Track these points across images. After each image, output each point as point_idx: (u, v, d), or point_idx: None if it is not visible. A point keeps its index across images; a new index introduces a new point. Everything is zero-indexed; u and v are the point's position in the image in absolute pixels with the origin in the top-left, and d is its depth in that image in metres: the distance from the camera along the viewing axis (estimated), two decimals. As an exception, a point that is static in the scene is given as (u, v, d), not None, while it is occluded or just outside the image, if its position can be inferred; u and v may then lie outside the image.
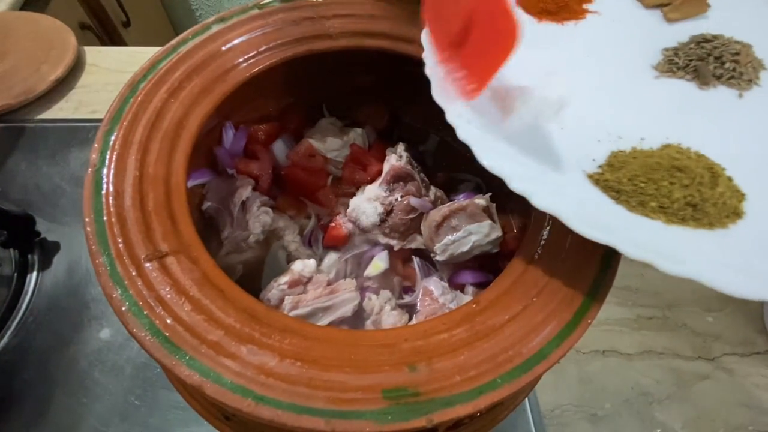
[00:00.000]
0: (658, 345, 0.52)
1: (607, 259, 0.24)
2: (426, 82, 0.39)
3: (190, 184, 0.39)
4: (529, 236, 0.27)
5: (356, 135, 0.43)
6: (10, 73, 0.66)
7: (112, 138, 0.25)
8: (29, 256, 0.53)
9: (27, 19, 0.73)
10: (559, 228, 0.27)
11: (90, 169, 0.24)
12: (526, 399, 0.45)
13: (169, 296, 0.21)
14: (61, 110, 0.66)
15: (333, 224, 0.41)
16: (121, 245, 0.22)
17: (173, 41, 0.31)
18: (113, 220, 0.22)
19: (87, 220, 0.22)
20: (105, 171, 0.24)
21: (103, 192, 0.23)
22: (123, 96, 0.27)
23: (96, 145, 0.25)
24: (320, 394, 0.19)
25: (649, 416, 0.48)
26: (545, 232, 0.27)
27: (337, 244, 0.41)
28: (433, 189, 0.42)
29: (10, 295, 0.49)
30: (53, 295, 0.51)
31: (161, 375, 0.45)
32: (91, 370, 0.46)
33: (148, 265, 0.22)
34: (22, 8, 0.79)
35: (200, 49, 0.31)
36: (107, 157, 0.24)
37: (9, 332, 0.48)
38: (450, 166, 0.47)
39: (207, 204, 0.39)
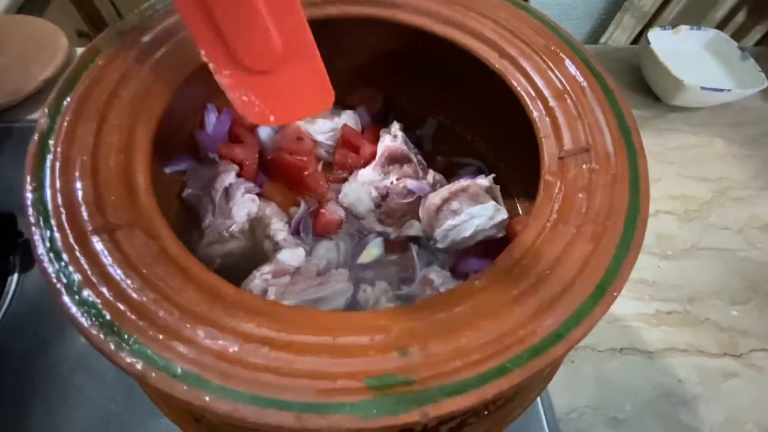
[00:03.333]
0: (680, 341, 0.49)
1: (632, 216, 0.21)
2: (424, 61, 0.36)
3: (169, 170, 0.36)
4: (538, 207, 0.23)
5: (348, 117, 0.41)
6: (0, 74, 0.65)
7: (65, 103, 0.22)
8: (10, 257, 0.50)
9: (19, 22, 0.73)
10: (572, 194, 0.23)
11: (36, 135, 0.21)
12: (539, 400, 0.42)
13: (116, 273, 0.18)
14: (49, 110, 0.64)
15: (324, 211, 0.38)
16: (63, 216, 0.19)
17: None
18: (58, 188, 0.19)
19: (29, 188, 0.19)
20: (54, 137, 0.21)
21: (50, 157, 0.20)
22: (84, 59, 0.25)
23: (45, 110, 0.22)
24: (289, 383, 0.16)
25: (675, 419, 0.44)
26: (556, 205, 0.24)
27: (329, 232, 0.38)
28: (431, 172, 0.39)
29: (-12, 298, 0.47)
30: (34, 298, 0.48)
31: (143, 380, 0.42)
32: (72, 376, 0.44)
33: (95, 238, 0.19)
34: (17, 15, 0.78)
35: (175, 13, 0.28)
36: (57, 122, 0.22)
37: (-13, 336, 0.45)
38: (450, 150, 0.44)
39: (187, 191, 0.36)
